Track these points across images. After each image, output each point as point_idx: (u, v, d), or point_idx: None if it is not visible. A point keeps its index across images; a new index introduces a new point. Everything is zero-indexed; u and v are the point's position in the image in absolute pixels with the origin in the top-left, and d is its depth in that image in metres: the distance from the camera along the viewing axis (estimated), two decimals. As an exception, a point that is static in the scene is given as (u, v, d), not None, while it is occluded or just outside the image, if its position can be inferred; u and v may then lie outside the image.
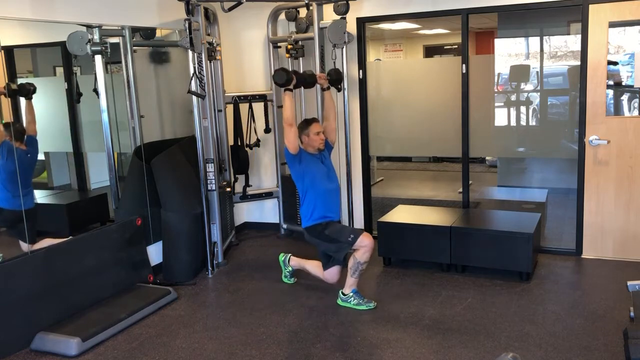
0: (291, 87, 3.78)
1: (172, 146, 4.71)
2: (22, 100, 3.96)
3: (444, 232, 4.42)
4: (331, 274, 3.96)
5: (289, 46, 5.21)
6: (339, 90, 4.95)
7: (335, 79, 4.27)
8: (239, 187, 5.50)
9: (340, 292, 3.95)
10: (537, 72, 5.15)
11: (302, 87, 4.19)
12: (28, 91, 3.99)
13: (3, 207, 3.95)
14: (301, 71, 5.29)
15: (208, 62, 4.62)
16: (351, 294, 3.89)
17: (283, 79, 3.76)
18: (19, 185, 3.66)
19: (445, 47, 10.83)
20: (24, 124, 3.97)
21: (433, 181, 8.35)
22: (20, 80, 4.00)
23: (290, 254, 4.38)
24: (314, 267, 4.13)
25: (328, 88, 4.14)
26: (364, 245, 3.74)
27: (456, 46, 10.13)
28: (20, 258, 3.54)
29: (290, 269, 4.34)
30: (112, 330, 3.59)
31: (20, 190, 3.67)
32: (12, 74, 3.84)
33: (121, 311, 3.77)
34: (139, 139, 4.52)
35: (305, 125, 3.90)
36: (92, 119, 4.38)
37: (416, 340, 3.37)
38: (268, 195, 5.66)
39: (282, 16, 5.37)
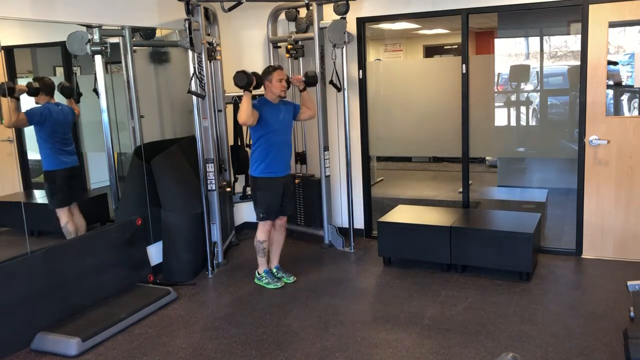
0: (251, 88, 3.99)
1: (172, 146, 4.71)
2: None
3: (444, 232, 4.42)
4: (261, 229, 4.30)
5: (289, 46, 5.21)
6: (338, 90, 4.97)
7: (311, 81, 4.42)
8: (239, 187, 5.50)
9: (255, 272, 4.41)
10: (537, 72, 5.15)
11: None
12: (70, 91, 4.24)
13: (51, 169, 4.16)
14: (302, 72, 5.33)
15: (208, 62, 4.62)
16: (263, 274, 4.35)
17: (244, 81, 3.97)
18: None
19: (445, 47, 10.83)
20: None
21: (433, 181, 8.34)
22: (20, 81, 4.01)
23: (256, 271, 4.43)
24: (255, 241, 4.34)
25: (304, 89, 4.35)
26: (264, 227, 4.24)
27: (456, 46, 10.13)
28: (20, 258, 3.55)
29: (264, 275, 4.36)
30: (112, 330, 3.60)
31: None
32: (12, 74, 3.84)
33: (121, 311, 3.78)
34: (139, 139, 4.52)
35: (269, 70, 4.11)
36: (92, 119, 4.39)
37: (416, 340, 3.37)
38: (268, 195, 5.65)
39: (282, 16, 5.37)
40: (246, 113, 3.93)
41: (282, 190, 4.23)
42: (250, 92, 3.98)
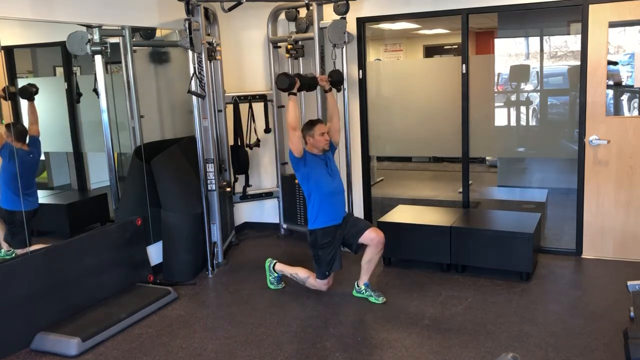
0: (295, 91, 3.80)
1: (172, 146, 4.71)
2: (24, 102, 3.97)
3: (444, 232, 4.42)
4: (320, 282, 4.05)
5: (289, 46, 5.21)
6: (338, 90, 4.96)
7: (337, 80, 4.26)
8: (239, 187, 5.50)
9: (355, 283, 4.12)
10: (537, 72, 5.15)
11: (308, 90, 4.18)
12: (30, 93, 4.00)
13: (7, 209, 3.94)
14: (302, 72, 5.32)
15: (208, 62, 4.62)
16: (276, 273, 4.23)
17: (285, 83, 3.77)
18: (20, 186, 3.66)
19: (445, 47, 10.83)
20: (27, 125, 3.97)
21: (433, 181, 8.34)
22: (20, 81, 4.00)
23: (275, 260, 4.33)
24: (301, 272, 4.15)
25: (330, 90, 4.15)
26: (321, 288, 4.04)
27: (456, 46, 10.13)
28: (20, 258, 3.55)
29: (276, 274, 4.29)
30: (112, 330, 3.59)
31: (20, 191, 3.67)
32: (12, 74, 3.84)
33: (121, 311, 3.78)
34: (139, 139, 4.52)
35: (309, 126, 3.90)
36: (92, 119, 4.39)
37: (416, 340, 3.37)
38: (268, 195, 5.66)
39: (282, 16, 5.37)
40: (295, 114, 3.72)
41: (341, 235, 3.96)
42: (295, 94, 3.78)
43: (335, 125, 4.08)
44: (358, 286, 4.07)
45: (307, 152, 3.87)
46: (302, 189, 3.94)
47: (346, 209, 4.17)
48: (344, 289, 4.22)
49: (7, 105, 3.81)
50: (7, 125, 3.81)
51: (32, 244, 3.71)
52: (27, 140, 3.94)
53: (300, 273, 4.15)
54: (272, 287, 4.29)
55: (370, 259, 3.96)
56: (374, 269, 4.05)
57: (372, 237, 3.88)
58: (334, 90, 4.22)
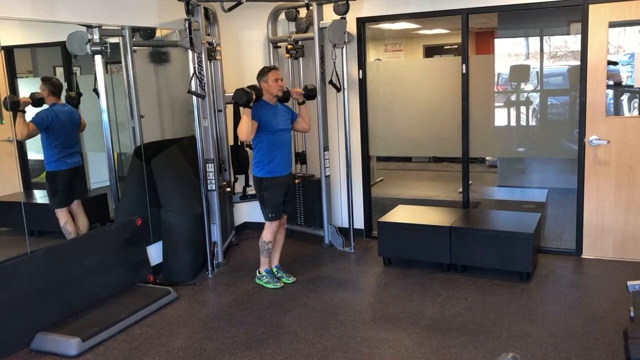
0: (250, 105, 3.97)
1: (172, 146, 4.71)
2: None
3: (444, 232, 4.42)
4: (269, 228, 4.30)
5: (289, 46, 5.21)
6: (338, 90, 4.97)
7: (310, 95, 4.41)
8: (239, 187, 5.50)
9: (257, 271, 4.42)
10: (537, 72, 5.15)
11: (281, 102, 4.29)
12: (39, 100, 4.14)
13: (49, 170, 4.14)
14: (301, 71, 5.33)
15: (208, 62, 4.62)
16: (264, 273, 4.36)
17: (243, 99, 3.93)
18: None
19: (445, 47, 10.82)
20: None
21: (433, 181, 8.34)
22: (20, 81, 4.01)
23: (257, 270, 4.45)
24: (260, 240, 4.35)
25: (303, 102, 4.35)
26: (271, 227, 4.23)
27: (456, 46, 10.13)
28: (21, 258, 3.55)
29: (264, 274, 4.37)
30: (112, 330, 3.59)
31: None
32: (12, 74, 3.84)
33: (121, 311, 3.78)
34: (139, 139, 4.52)
35: (264, 71, 4.10)
36: (92, 119, 4.38)
37: (416, 340, 3.37)
38: (268, 195, 5.65)
39: (282, 16, 5.37)
40: (247, 129, 3.93)
41: (286, 190, 4.24)
42: (250, 107, 3.95)
43: (304, 125, 4.37)
44: (259, 273, 4.39)
45: (261, 102, 4.07)
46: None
47: (291, 167, 4.36)
48: (343, 289, 4.23)
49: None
50: (43, 79, 4.04)
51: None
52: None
53: (259, 244, 4.36)
54: (270, 286, 4.30)
55: (280, 240, 4.42)
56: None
57: (282, 221, 4.33)
58: (331, 92, 4.30)
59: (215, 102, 4.95)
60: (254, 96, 3.97)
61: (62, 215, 4.16)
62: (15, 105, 3.71)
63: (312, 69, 5.11)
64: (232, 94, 5.17)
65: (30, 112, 3.90)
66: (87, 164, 4.62)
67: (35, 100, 3.89)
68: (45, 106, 3.98)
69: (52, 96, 4.01)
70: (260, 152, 4.14)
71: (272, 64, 5.40)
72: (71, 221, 4.18)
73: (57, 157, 4.13)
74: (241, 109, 3.99)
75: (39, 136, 4.01)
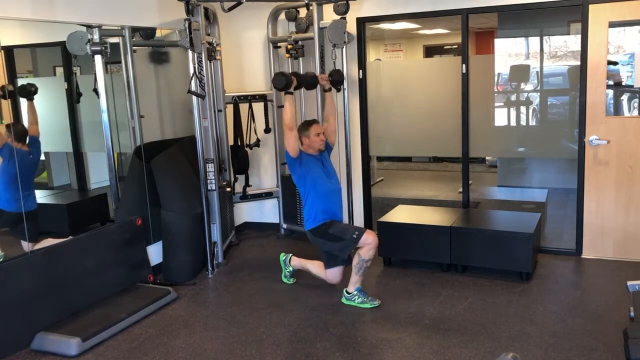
0: (291, 90, 3.79)
1: (172, 146, 4.71)
2: (24, 101, 3.96)
3: (444, 232, 4.42)
4: (334, 274, 3.96)
5: (289, 46, 5.20)
6: (338, 90, 4.96)
7: (337, 80, 4.27)
8: (239, 187, 5.50)
9: (344, 290, 3.96)
10: (537, 72, 5.15)
11: (303, 89, 4.19)
12: (29, 92, 3.99)
13: (4, 209, 3.94)
14: (301, 71, 5.31)
15: (208, 62, 4.62)
16: (355, 292, 3.90)
17: (282, 83, 3.76)
18: (20, 187, 3.65)
19: (445, 47, 10.82)
20: (26, 125, 3.97)
21: (433, 181, 8.34)
22: (20, 80, 4.00)
23: (291, 254, 4.38)
24: (316, 267, 4.13)
25: (329, 89, 4.16)
26: (369, 242, 3.75)
27: (456, 46, 10.12)
28: (20, 258, 3.55)
29: (291, 269, 4.34)
30: (112, 330, 3.59)
31: (20, 192, 3.67)
32: (12, 74, 3.84)
33: (121, 311, 3.77)
34: (139, 139, 4.52)
35: (305, 126, 3.90)
36: (92, 119, 4.38)
37: (416, 340, 3.37)
38: (268, 195, 5.65)
39: (282, 16, 5.37)
40: (291, 114, 3.70)
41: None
42: (292, 93, 3.76)
43: (331, 126, 4.08)
44: (348, 293, 3.95)
45: (303, 152, 3.87)
46: (299, 189, 3.93)
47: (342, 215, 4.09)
48: (344, 289, 4.22)
49: (6, 105, 3.81)
50: (7, 126, 3.81)
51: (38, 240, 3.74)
52: (27, 141, 3.94)
53: (313, 268, 4.14)
54: (285, 280, 4.33)
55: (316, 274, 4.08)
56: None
57: (369, 240, 3.76)
58: (333, 91, 4.22)
59: (215, 102, 4.95)
60: (294, 80, 3.80)
61: None
62: None
63: (312, 69, 5.11)
64: (232, 94, 5.21)
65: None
66: (87, 164, 4.63)
67: (5, 93, 3.76)
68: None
69: (17, 142, 3.81)
70: (311, 205, 3.83)
71: (272, 64, 5.40)
72: None
73: (12, 199, 3.85)
74: (283, 96, 3.74)
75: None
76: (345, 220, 5.33)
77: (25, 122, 3.98)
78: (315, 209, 3.84)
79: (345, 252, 3.87)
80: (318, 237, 3.88)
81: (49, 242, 3.90)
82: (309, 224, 3.87)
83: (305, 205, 3.89)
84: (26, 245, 3.69)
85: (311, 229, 3.87)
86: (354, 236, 3.76)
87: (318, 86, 4.30)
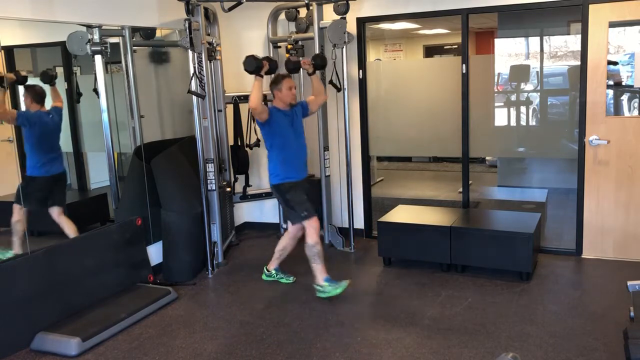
0: (262, 73, 3.87)
1: (172, 146, 4.71)
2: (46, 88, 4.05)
3: (444, 232, 4.42)
4: (297, 228, 4.22)
5: (289, 46, 5.20)
6: (338, 90, 4.96)
7: (320, 64, 4.34)
8: (239, 187, 5.50)
9: (314, 285, 4.06)
10: (537, 72, 5.15)
11: (292, 73, 4.30)
12: (51, 77, 4.12)
13: (32, 175, 4.03)
14: (301, 71, 5.31)
15: (208, 62, 4.62)
16: (326, 283, 4.01)
17: (252, 65, 3.84)
18: (43, 150, 3.90)
19: (445, 47, 10.83)
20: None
21: (433, 181, 8.34)
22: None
23: (265, 267, 4.45)
24: (284, 241, 4.32)
25: (313, 72, 4.26)
26: (312, 226, 4.00)
27: (456, 46, 10.13)
28: (20, 258, 3.55)
29: (273, 272, 4.39)
30: (112, 330, 3.60)
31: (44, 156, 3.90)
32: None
33: (121, 311, 3.78)
34: (139, 139, 4.52)
35: (278, 80, 4.02)
36: (92, 119, 4.38)
37: (416, 340, 3.37)
38: (268, 195, 5.65)
39: (282, 16, 5.37)
40: (257, 97, 3.78)
41: (306, 191, 4.13)
42: (262, 76, 3.84)
43: (317, 99, 4.26)
44: (268, 270, 4.38)
45: (274, 108, 3.99)
46: (265, 143, 4.09)
47: (307, 171, 4.27)
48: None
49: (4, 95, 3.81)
50: (26, 87, 3.94)
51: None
52: (49, 108, 4.05)
53: (279, 247, 4.34)
54: (283, 281, 4.37)
55: (284, 247, 4.33)
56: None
57: (312, 224, 4.03)
58: (332, 89, 4.24)
59: (215, 102, 4.95)
60: (265, 65, 3.86)
61: (16, 212, 3.98)
62: None
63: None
64: (232, 94, 5.21)
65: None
66: (87, 164, 4.63)
67: (19, 78, 3.84)
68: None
69: (36, 104, 3.94)
70: (274, 159, 4.03)
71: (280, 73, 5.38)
72: (23, 222, 3.93)
73: (39, 163, 4.02)
74: (254, 78, 3.84)
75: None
76: (345, 220, 5.35)
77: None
78: (278, 166, 4.03)
79: (293, 221, 4.14)
80: (277, 194, 4.11)
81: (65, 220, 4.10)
82: (272, 179, 4.07)
83: (270, 161, 4.07)
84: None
85: (273, 185, 4.08)
86: (302, 215, 4.00)
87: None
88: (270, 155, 4.06)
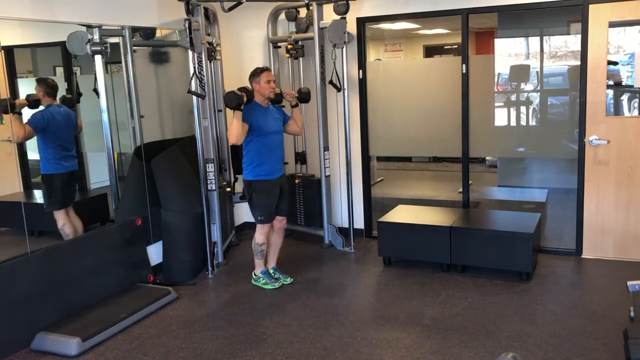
0: (242, 107, 3.93)
1: (172, 146, 4.71)
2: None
3: (444, 232, 4.42)
4: (260, 231, 4.29)
5: (289, 46, 5.21)
6: (338, 90, 4.96)
7: (303, 98, 4.42)
8: (239, 187, 5.49)
9: (252, 273, 4.39)
10: (537, 72, 5.15)
11: (275, 104, 4.30)
12: (72, 103, 4.24)
13: (48, 172, 4.10)
14: (302, 72, 5.32)
15: (208, 62, 4.62)
16: (260, 275, 4.33)
17: (234, 102, 3.89)
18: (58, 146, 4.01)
19: (445, 47, 10.82)
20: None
21: (433, 181, 8.34)
22: (20, 81, 4.01)
23: (253, 272, 4.43)
24: (253, 243, 4.34)
25: (297, 105, 4.34)
26: (262, 230, 4.23)
27: (456, 46, 10.12)
28: (20, 258, 3.55)
29: (261, 276, 4.35)
30: (112, 330, 3.59)
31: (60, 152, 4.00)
32: (12, 74, 3.84)
33: (121, 311, 3.78)
34: (139, 139, 4.52)
35: (257, 73, 4.08)
36: (92, 119, 4.38)
37: (416, 340, 3.37)
38: (268, 195, 5.65)
39: (282, 16, 5.37)
40: (237, 132, 3.92)
41: (278, 192, 4.23)
42: (241, 110, 3.92)
43: (295, 128, 4.39)
44: (255, 275, 4.39)
45: (253, 104, 4.04)
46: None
47: (282, 170, 4.34)
48: (343, 289, 4.23)
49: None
50: (38, 80, 4.01)
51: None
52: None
53: (252, 246, 4.34)
54: (269, 287, 4.30)
55: (276, 241, 4.42)
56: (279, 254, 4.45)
57: (278, 225, 4.33)
58: (332, 89, 4.23)
59: (215, 102, 4.95)
60: (244, 99, 3.94)
61: (60, 216, 4.15)
62: (11, 108, 3.66)
63: (312, 69, 5.12)
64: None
65: (27, 113, 3.88)
66: (87, 164, 4.63)
67: (31, 102, 3.86)
68: (41, 107, 3.94)
69: (48, 97, 3.98)
70: (250, 154, 4.11)
71: (272, 64, 5.40)
72: (69, 223, 4.15)
73: (54, 160, 4.10)
74: (231, 112, 3.95)
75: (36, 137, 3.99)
76: (345, 220, 5.35)
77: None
78: (251, 161, 4.11)
79: (254, 217, 4.24)
80: (246, 190, 4.20)
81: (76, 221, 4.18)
82: (245, 174, 4.17)
83: (245, 154, 4.14)
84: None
85: (245, 180, 4.18)
86: (258, 218, 4.19)
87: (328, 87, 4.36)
88: (246, 151, 4.13)
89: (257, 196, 4.14)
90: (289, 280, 4.37)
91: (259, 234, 4.24)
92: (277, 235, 4.40)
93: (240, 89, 3.98)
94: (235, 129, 3.92)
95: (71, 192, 4.32)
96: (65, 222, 4.13)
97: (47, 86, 4.01)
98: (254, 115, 4.04)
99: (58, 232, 4.15)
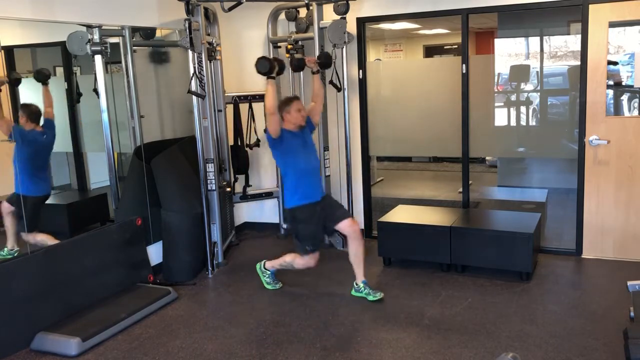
0: (274, 74, 3.83)
1: (172, 146, 4.71)
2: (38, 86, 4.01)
3: (444, 232, 4.42)
4: (305, 261, 4.08)
5: (289, 46, 5.20)
6: (338, 90, 4.96)
7: (325, 62, 4.31)
8: (239, 187, 5.50)
9: (262, 263, 4.29)
10: (537, 72, 5.15)
11: (297, 71, 4.23)
12: (45, 76, 4.06)
13: (25, 194, 3.94)
14: (301, 71, 5.31)
15: (208, 62, 4.62)
16: (269, 272, 4.27)
17: (266, 67, 3.78)
18: (35, 168, 3.81)
19: (445, 47, 10.83)
20: (42, 109, 4.02)
21: (433, 181, 8.34)
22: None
23: (264, 260, 4.37)
24: (290, 257, 4.16)
25: (318, 71, 4.20)
26: (309, 262, 4.02)
27: (456, 46, 10.12)
28: (20, 258, 3.55)
29: (268, 272, 4.32)
30: (112, 330, 3.59)
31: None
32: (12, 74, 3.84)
33: (121, 311, 3.77)
34: (139, 139, 4.52)
35: (286, 102, 3.96)
36: (92, 119, 4.39)
37: (416, 340, 3.37)
38: (268, 195, 5.65)
39: (282, 16, 5.37)
40: (273, 98, 3.72)
41: (321, 214, 3.97)
42: (274, 78, 3.78)
43: (317, 107, 4.14)
44: (357, 285, 4.06)
45: (284, 129, 3.89)
46: (279, 167, 4.02)
47: (324, 190, 4.20)
48: (343, 289, 4.22)
49: (5, 100, 3.80)
50: (22, 106, 3.91)
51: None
52: (42, 123, 4.00)
53: (287, 258, 4.17)
54: (269, 287, 4.29)
55: (355, 252, 4.00)
56: (364, 264, 4.07)
57: (347, 230, 3.94)
58: (332, 89, 4.21)
59: (215, 102, 4.95)
60: (276, 65, 3.82)
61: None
62: None
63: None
64: (232, 94, 5.21)
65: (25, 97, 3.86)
66: (87, 164, 4.63)
67: (13, 80, 3.80)
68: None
69: (31, 122, 3.91)
70: (289, 180, 3.93)
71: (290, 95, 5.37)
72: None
73: (28, 181, 3.95)
74: (265, 80, 3.80)
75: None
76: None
77: (42, 106, 4.03)
78: (292, 188, 3.92)
79: (298, 250, 4.04)
80: (291, 220, 4.04)
81: (41, 237, 3.96)
82: (287, 202, 3.97)
83: (285, 182, 3.98)
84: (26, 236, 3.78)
85: (287, 208, 3.99)
86: (306, 248, 3.96)
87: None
88: (285, 179, 3.96)
89: (303, 226, 3.92)
90: (378, 295, 3.99)
91: (301, 262, 4.03)
92: (353, 243, 3.97)
93: (273, 58, 3.88)
94: (271, 95, 3.73)
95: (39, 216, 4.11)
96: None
97: (30, 112, 3.94)
98: (287, 136, 3.86)
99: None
